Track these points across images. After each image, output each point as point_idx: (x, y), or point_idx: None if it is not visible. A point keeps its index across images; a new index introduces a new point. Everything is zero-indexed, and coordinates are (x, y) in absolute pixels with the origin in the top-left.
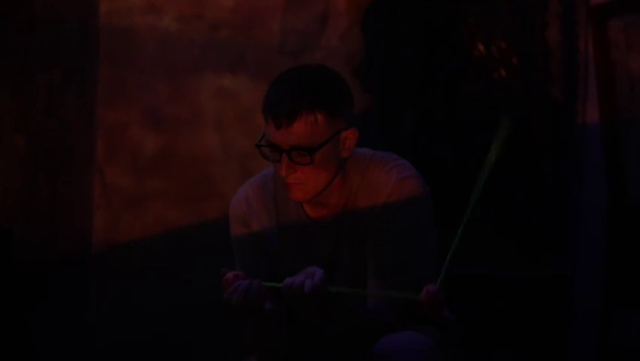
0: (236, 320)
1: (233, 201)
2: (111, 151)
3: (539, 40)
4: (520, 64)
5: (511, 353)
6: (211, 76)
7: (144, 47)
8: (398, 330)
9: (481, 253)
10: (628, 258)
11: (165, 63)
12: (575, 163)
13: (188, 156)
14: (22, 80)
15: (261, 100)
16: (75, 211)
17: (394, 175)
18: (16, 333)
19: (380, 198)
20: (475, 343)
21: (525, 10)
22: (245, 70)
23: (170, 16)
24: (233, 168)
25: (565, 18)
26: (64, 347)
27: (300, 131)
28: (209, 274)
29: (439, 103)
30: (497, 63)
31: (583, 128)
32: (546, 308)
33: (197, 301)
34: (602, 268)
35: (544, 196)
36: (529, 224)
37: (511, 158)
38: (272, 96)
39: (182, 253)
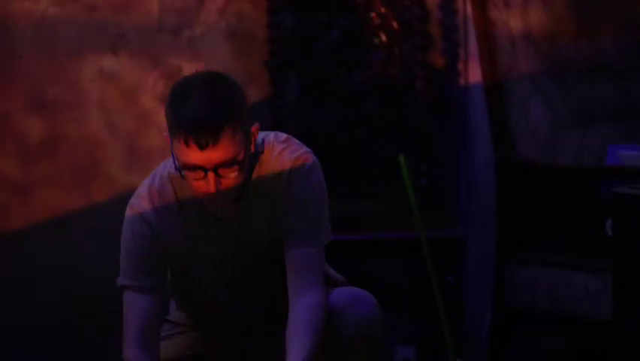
0: None
1: (136, 212)
2: None
3: (417, 2)
4: (401, 28)
5: (408, 319)
6: (92, 57)
7: (22, 33)
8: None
9: (372, 219)
10: (517, 214)
11: (45, 48)
12: (460, 124)
13: (74, 139)
14: None
15: (143, 79)
16: None
17: (286, 157)
18: None
19: (278, 182)
20: None
21: None
22: (125, 49)
23: (47, 0)
24: (120, 148)
25: None
26: None
27: (225, 147)
28: (100, 258)
29: (322, 70)
30: (377, 28)
31: (466, 88)
32: (441, 269)
33: (89, 285)
34: (492, 226)
35: (431, 159)
36: (420, 187)
37: (397, 122)
38: (185, 116)
39: (72, 237)
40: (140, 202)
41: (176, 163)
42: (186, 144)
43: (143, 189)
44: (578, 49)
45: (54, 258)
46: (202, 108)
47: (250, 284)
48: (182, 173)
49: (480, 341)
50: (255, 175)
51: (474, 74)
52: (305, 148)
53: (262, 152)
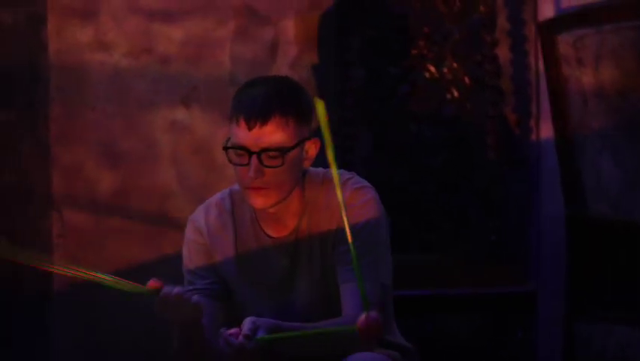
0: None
1: (191, 222)
2: (68, 190)
3: (490, 58)
4: (472, 83)
5: None
6: (164, 110)
7: (95, 84)
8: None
9: (441, 274)
10: (589, 270)
11: (117, 99)
12: (531, 179)
13: (145, 190)
14: None
15: (214, 132)
16: (34, 252)
17: (349, 186)
18: None
19: (337, 209)
20: None
21: (474, 29)
22: (197, 102)
23: (120, 52)
24: (191, 200)
25: (514, 35)
26: None
27: (273, 132)
28: None
29: (393, 125)
30: (449, 83)
31: (537, 144)
32: (511, 324)
33: (161, 338)
34: (563, 282)
35: (501, 215)
36: (489, 244)
37: (468, 177)
38: (244, 98)
39: None
40: (196, 214)
41: (228, 144)
42: (237, 123)
43: (203, 204)
44: None
45: (126, 310)
46: (259, 93)
47: (299, 309)
48: (229, 155)
49: None
50: (313, 198)
51: (545, 129)
52: (369, 184)
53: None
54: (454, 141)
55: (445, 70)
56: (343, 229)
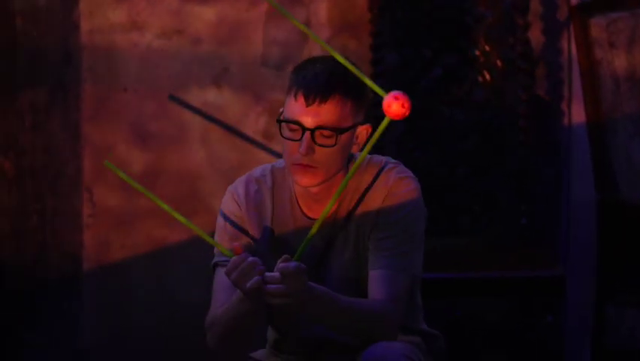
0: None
1: (230, 192)
2: (99, 170)
3: (522, 41)
4: (504, 66)
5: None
6: (195, 91)
7: (127, 65)
8: (390, 332)
9: (471, 257)
10: (619, 255)
11: (149, 80)
12: (562, 163)
13: (175, 172)
14: (6, 101)
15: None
16: (65, 232)
17: (393, 175)
18: (6, 358)
19: (379, 196)
20: (466, 349)
21: (507, 12)
22: (229, 83)
23: (152, 33)
24: (221, 182)
25: (546, 18)
26: None
27: (331, 111)
28: (201, 291)
29: (425, 108)
30: (481, 66)
31: (569, 128)
32: (540, 308)
33: (190, 319)
34: (593, 266)
35: (531, 199)
36: (519, 227)
37: (499, 161)
38: (305, 73)
39: (174, 270)
40: (236, 185)
41: (281, 118)
42: (295, 97)
43: (244, 176)
44: None
45: (154, 291)
46: (322, 70)
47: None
48: (282, 129)
49: None
50: (355, 182)
51: (577, 113)
52: (412, 175)
53: (365, 167)
54: (485, 124)
55: (478, 53)
56: (384, 216)
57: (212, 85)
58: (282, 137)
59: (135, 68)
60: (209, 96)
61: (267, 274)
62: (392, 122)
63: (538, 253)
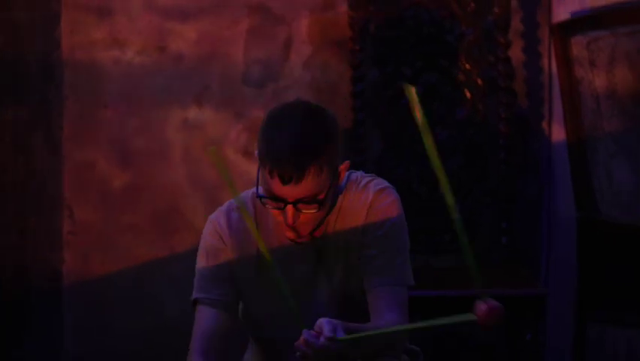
0: None
1: (211, 223)
2: (79, 187)
3: (503, 59)
4: (485, 84)
5: None
6: (176, 108)
7: (108, 82)
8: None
9: (452, 275)
10: (600, 273)
11: (130, 97)
12: (543, 182)
13: (156, 189)
14: None
15: (227, 131)
16: (45, 248)
17: (371, 189)
18: None
19: (361, 211)
20: None
21: (487, 31)
22: (210, 101)
23: (133, 50)
24: (202, 199)
25: (527, 37)
26: None
27: (309, 185)
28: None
29: (405, 126)
30: (462, 84)
31: (549, 146)
32: (521, 326)
33: (171, 335)
34: (574, 285)
35: (512, 217)
36: (500, 246)
37: (480, 179)
38: (274, 149)
39: (154, 286)
40: (217, 216)
41: (259, 189)
42: (270, 175)
43: (224, 205)
44: None
45: (135, 306)
46: (291, 143)
47: (319, 311)
48: (263, 200)
49: None
50: (340, 200)
51: (558, 132)
52: (390, 185)
53: (344, 187)
54: (466, 142)
55: (459, 71)
56: (370, 232)
57: (193, 102)
58: (264, 205)
59: (117, 85)
60: (190, 113)
61: (309, 334)
62: (368, 142)
63: (519, 272)
